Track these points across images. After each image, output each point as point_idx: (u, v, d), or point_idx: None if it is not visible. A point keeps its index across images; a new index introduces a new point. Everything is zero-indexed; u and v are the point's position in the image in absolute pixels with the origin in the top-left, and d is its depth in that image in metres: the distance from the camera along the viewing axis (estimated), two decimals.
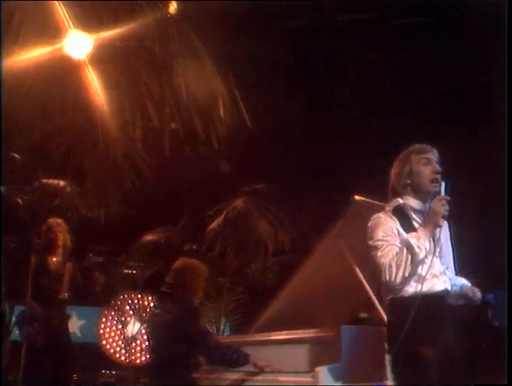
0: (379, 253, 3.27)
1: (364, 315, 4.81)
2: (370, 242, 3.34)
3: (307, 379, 3.73)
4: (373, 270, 4.33)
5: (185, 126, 6.41)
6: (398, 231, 3.31)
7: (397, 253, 3.21)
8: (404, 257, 3.17)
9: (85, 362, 8.86)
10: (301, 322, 4.28)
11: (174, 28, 6.20)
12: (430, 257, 3.20)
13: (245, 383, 4.29)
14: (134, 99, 6.37)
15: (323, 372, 3.65)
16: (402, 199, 3.42)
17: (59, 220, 5.90)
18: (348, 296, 4.47)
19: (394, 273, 3.18)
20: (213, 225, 8.91)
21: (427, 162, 3.39)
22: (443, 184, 3.26)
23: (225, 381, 4.43)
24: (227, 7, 6.23)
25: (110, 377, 9.32)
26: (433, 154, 3.42)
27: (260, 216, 8.90)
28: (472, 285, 3.60)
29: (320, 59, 7.94)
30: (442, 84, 8.05)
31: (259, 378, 4.20)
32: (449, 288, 3.40)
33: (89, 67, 6.15)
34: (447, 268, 3.47)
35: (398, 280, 3.18)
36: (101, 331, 9.72)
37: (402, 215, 3.37)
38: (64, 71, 6.08)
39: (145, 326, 8.77)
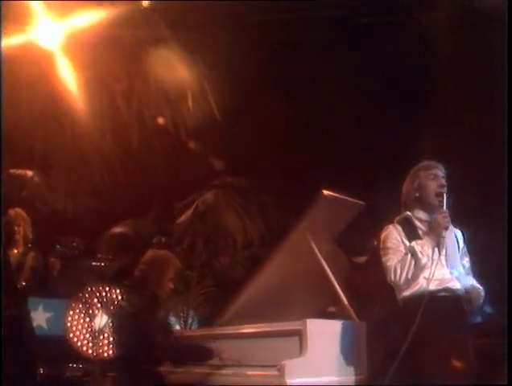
0: (386, 258, 3.73)
1: (331, 309, 4.84)
2: (381, 250, 3.80)
3: (273, 372, 3.73)
4: (340, 265, 4.40)
5: (154, 118, 6.36)
6: (401, 239, 3.74)
7: (402, 258, 3.65)
8: (408, 262, 3.61)
9: (52, 355, 8.78)
10: (268, 316, 4.28)
11: (144, 18, 6.14)
12: (433, 262, 3.59)
13: (212, 377, 4.28)
14: (102, 89, 6.30)
15: (289, 365, 3.66)
16: (411, 211, 3.81)
17: (20, 211, 5.81)
18: (316, 290, 4.48)
19: (399, 275, 3.63)
20: (182, 218, 8.87)
21: (433, 177, 3.74)
22: (444, 196, 3.65)
23: (192, 374, 4.42)
24: None
25: (77, 371, 9.24)
26: (439, 170, 3.78)
27: (229, 210, 8.89)
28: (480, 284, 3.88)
29: (292, 51, 7.92)
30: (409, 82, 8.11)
31: (225, 372, 4.19)
32: (454, 288, 3.68)
33: (58, 57, 6.07)
34: (452, 270, 3.73)
35: (402, 281, 3.63)
36: (68, 324, 9.62)
37: (408, 225, 3.79)
38: (32, 60, 5.99)
39: (112, 318, 8.72)
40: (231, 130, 8.12)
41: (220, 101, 6.57)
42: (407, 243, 3.70)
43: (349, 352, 3.95)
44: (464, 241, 3.93)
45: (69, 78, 6.14)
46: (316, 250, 4.33)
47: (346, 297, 4.19)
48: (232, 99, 7.36)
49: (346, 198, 4.37)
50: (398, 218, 3.86)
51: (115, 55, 6.23)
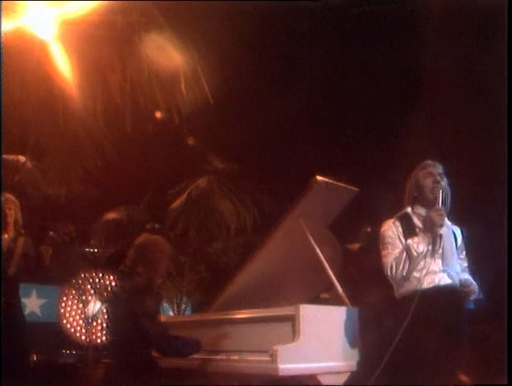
0: (384, 253, 3.87)
1: (325, 296, 4.85)
2: (380, 245, 3.92)
3: (265, 357, 3.73)
4: (333, 251, 4.41)
5: (147, 104, 6.31)
6: (399, 236, 3.87)
7: (398, 254, 3.79)
8: (404, 258, 3.76)
9: (45, 342, 8.78)
10: (262, 302, 4.28)
11: (136, 3, 6.08)
12: (428, 258, 3.75)
13: (204, 363, 4.28)
14: (95, 74, 6.25)
15: (281, 351, 3.66)
16: (412, 208, 3.95)
17: (10, 196, 5.77)
18: (309, 276, 4.48)
19: (395, 271, 3.77)
20: (176, 204, 8.86)
21: (428, 176, 3.90)
22: (440, 192, 3.77)
23: (184, 360, 4.41)
24: None
25: (71, 357, 9.26)
26: (435, 168, 3.93)
27: (223, 196, 8.88)
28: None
29: (286, 37, 7.88)
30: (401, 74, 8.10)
31: (218, 357, 4.19)
32: (448, 286, 3.79)
33: (50, 42, 6.01)
34: (448, 266, 3.83)
35: (398, 276, 3.77)
36: (62, 310, 9.65)
37: (406, 221, 3.92)
38: (23, 46, 5.93)
39: (105, 305, 8.73)
40: (225, 116, 8.09)
41: (214, 87, 6.52)
42: (404, 240, 3.83)
43: (342, 338, 3.96)
44: (463, 239, 4.04)
45: (62, 63, 6.08)
46: (310, 236, 4.32)
47: (339, 283, 4.19)
48: (226, 84, 7.32)
49: (340, 184, 4.36)
50: (398, 214, 3.99)
51: (107, 41, 6.18)
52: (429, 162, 3.99)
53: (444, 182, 3.90)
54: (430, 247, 3.76)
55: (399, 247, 3.83)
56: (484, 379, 4.79)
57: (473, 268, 4.10)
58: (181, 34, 6.17)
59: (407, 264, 3.75)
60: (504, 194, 4.02)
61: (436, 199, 3.78)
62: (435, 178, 3.87)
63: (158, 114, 6.60)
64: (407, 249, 3.76)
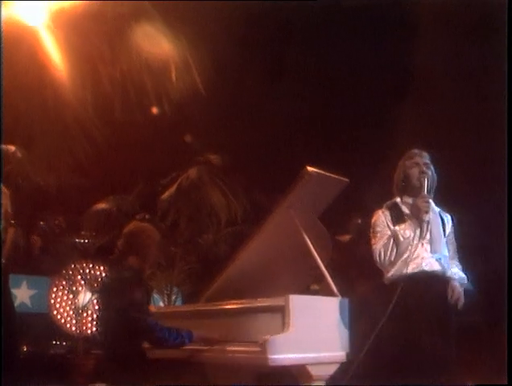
0: (374, 241, 4.05)
1: (315, 287, 4.85)
2: (371, 234, 4.10)
3: (255, 348, 3.73)
4: (324, 242, 4.42)
5: (138, 92, 6.28)
6: (388, 224, 4.03)
7: (386, 241, 3.97)
8: (391, 244, 3.95)
9: (36, 333, 8.77)
10: (252, 292, 4.28)
11: None
12: (415, 244, 3.92)
13: (194, 354, 4.28)
14: (85, 63, 6.21)
15: (271, 341, 3.66)
16: (401, 197, 4.11)
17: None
18: (299, 266, 4.48)
19: (383, 257, 3.97)
20: (166, 194, 8.84)
21: (415, 166, 4.06)
22: (425, 181, 3.96)
23: (174, 351, 4.41)
24: None
25: (61, 348, 9.26)
26: (421, 158, 4.09)
27: (213, 186, 8.87)
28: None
29: (276, 26, 7.85)
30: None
31: (208, 348, 4.19)
32: (435, 271, 3.95)
33: (41, 30, 5.97)
34: (436, 252, 3.99)
35: (386, 262, 3.96)
36: (52, 301, 9.62)
37: (395, 209, 4.09)
38: (13, 35, 5.88)
39: (95, 295, 8.71)
40: (217, 107, 8.06)
41: (205, 77, 6.50)
42: (392, 227, 4.00)
43: (332, 328, 3.96)
44: (453, 225, 4.16)
45: (52, 53, 6.04)
46: (300, 227, 4.31)
47: (329, 273, 4.19)
48: (218, 75, 7.30)
49: (330, 175, 4.35)
50: (386, 203, 4.15)
51: (98, 29, 6.14)
52: (415, 151, 4.15)
53: (431, 171, 4.05)
54: (417, 233, 3.92)
55: (388, 234, 4.00)
56: (483, 377, 4.86)
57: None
58: (172, 25, 6.14)
59: (395, 249, 3.93)
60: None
61: (422, 187, 3.96)
62: (421, 168, 4.03)
63: (149, 104, 6.57)
64: (394, 235, 3.95)
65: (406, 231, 3.93)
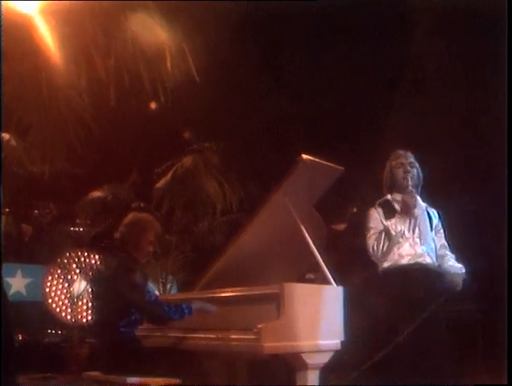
0: (368, 236, 4.46)
1: (310, 276, 4.86)
2: (365, 230, 4.51)
3: (250, 335, 3.73)
4: (319, 231, 4.44)
5: (132, 79, 6.23)
6: (380, 219, 4.43)
7: (378, 235, 4.37)
8: (383, 238, 4.34)
9: (31, 321, 8.77)
10: (247, 280, 4.27)
11: None
12: (405, 237, 4.33)
13: (188, 341, 4.28)
14: (79, 50, 6.16)
15: (265, 329, 3.66)
16: (391, 194, 4.53)
17: None
18: (294, 255, 4.48)
19: (376, 250, 4.36)
20: (161, 183, 8.81)
21: (400, 166, 4.49)
22: (409, 179, 4.39)
23: (169, 339, 4.42)
24: None
25: (56, 336, 9.25)
26: (406, 158, 4.50)
27: (208, 175, 8.84)
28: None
29: (272, 17, 7.82)
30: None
31: (202, 336, 4.19)
32: (424, 262, 4.33)
33: (34, 18, 5.92)
34: (424, 244, 4.37)
35: (379, 254, 4.35)
36: (47, 290, 9.60)
37: (387, 206, 4.50)
38: (7, 22, 5.83)
39: (90, 284, 8.71)
40: (212, 95, 8.03)
41: (201, 65, 6.46)
42: (385, 222, 4.41)
43: (327, 316, 3.96)
44: (440, 220, 4.56)
45: (46, 39, 5.99)
46: (295, 215, 4.30)
47: (324, 261, 4.19)
48: (214, 63, 7.27)
49: (325, 162, 4.34)
50: (379, 201, 4.56)
51: (92, 16, 6.09)
52: (400, 151, 4.56)
53: (416, 169, 4.48)
54: (407, 226, 4.34)
55: (380, 229, 4.40)
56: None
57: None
58: (167, 11, 6.10)
59: (387, 242, 4.32)
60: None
61: (408, 185, 4.38)
62: (406, 167, 4.44)
63: (143, 92, 6.53)
64: (386, 230, 4.34)
65: (397, 225, 4.33)
